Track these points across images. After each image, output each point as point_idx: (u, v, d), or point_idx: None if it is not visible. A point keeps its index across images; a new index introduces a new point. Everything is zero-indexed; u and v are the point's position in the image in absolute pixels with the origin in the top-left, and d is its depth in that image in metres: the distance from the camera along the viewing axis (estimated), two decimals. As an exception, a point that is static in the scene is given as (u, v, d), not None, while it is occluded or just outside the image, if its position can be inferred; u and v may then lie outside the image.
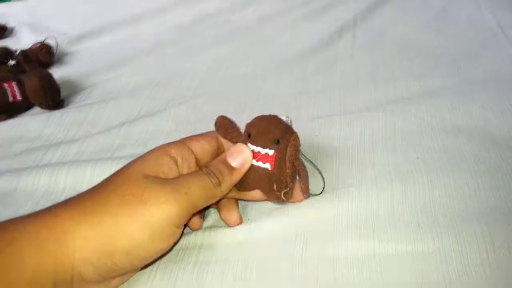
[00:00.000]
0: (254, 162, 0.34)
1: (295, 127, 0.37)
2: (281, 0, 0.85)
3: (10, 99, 0.57)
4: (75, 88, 0.64)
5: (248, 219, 0.37)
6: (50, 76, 0.59)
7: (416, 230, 0.34)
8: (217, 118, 0.36)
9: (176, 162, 0.33)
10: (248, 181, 0.35)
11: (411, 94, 0.52)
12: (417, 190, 0.37)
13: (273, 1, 0.85)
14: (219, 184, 0.32)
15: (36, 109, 0.59)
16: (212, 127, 0.50)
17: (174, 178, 0.31)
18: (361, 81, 0.57)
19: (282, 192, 0.35)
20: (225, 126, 0.36)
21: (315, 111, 0.51)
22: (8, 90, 0.57)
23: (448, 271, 0.31)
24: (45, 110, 0.58)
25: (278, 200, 0.35)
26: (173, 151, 0.33)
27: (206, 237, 0.35)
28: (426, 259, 0.32)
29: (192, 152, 0.34)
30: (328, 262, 0.33)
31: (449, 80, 0.54)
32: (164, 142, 0.48)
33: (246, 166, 0.34)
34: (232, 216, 0.36)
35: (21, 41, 0.81)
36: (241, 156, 0.34)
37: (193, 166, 0.34)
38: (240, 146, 0.34)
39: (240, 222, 0.36)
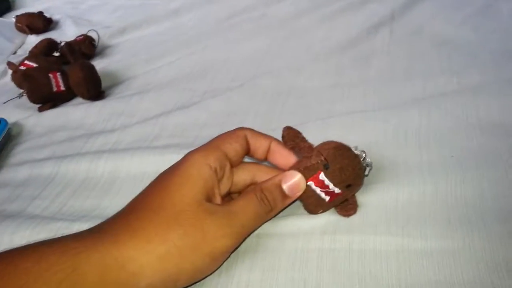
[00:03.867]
0: (317, 190, 0.34)
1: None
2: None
3: (54, 89, 0.59)
4: (115, 80, 0.66)
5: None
6: (92, 68, 0.61)
7: (446, 227, 0.34)
8: (283, 130, 0.36)
9: (216, 171, 0.33)
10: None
11: (447, 91, 0.51)
12: (449, 187, 0.37)
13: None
14: (271, 210, 0.33)
15: (78, 99, 0.62)
16: (245, 120, 0.51)
17: (229, 206, 0.32)
18: (396, 76, 0.56)
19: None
20: (293, 138, 0.36)
21: (349, 106, 0.51)
22: (53, 81, 0.59)
23: (478, 269, 0.31)
24: (86, 101, 0.61)
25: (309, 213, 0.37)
26: (212, 162, 0.33)
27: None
28: (456, 256, 0.32)
29: (227, 156, 0.34)
30: (356, 256, 0.33)
31: (487, 77, 0.52)
32: (199, 134, 0.49)
33: (298, 195, 0.34)
34: None
35: (65, 34, 0.85)
36: (297, 187, 0.34)
37: (227, 171, 0.35)
38: (296, 175, 0.34)
39: None
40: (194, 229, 0.29)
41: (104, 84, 0.63)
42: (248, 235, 0.33)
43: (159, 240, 0.29)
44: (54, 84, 0.59)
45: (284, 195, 0.34)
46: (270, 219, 0.34)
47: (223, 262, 0.33)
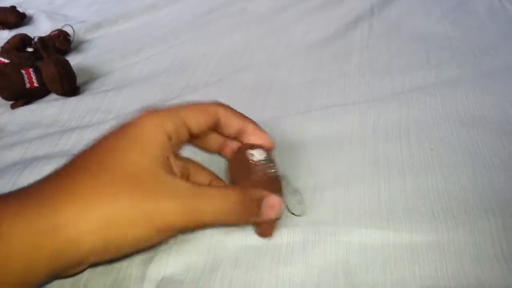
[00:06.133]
0: None
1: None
2: (297, -11, 0.84)
3: (27, 85, 0.58)
4: (91, 76, 0.64)
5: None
6: (66, 63, 0.60)
7: (431, 220, 0.33)
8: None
9: (171, 139, 0.30)
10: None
11: (426, 85, 0.51)
12: (430, 182, 0.37)
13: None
14: (240, 218, 0.31)
15: (53, 96, 0.60)
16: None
17: (195, 187, 0.29)
18: (376, 71, 0.56)
19: None
20: None
21: (329, 100, 0.51)
22: (26, 77, 0.58)
23: (462, 263, 0.31)
24: (61, 97, 0.59)
25: None
26: (168, 128, 0.30)
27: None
28: (441, 250, 0.32)
29: (186, 126, 0.31)
30: (341, 249, 0.32)
31: (465, 71, 0.53)
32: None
33: (267, 217, 0.32)
34: None
35: (39, 29, 0.82)
36: (273, 208, 0.32)
37: (185, 140, 0.32)
38: (279, 200, 0.32)
39: None
40: (146, 197, 0.27)
41: (79, 79, 0.61)
42: (204, 228, 0.32)
43: (104, 206, 0.26)
44: (27, 80, 0.58)
45: (258, 210, 0.31)
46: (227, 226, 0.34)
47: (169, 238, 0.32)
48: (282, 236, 0.34)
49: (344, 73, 0.56)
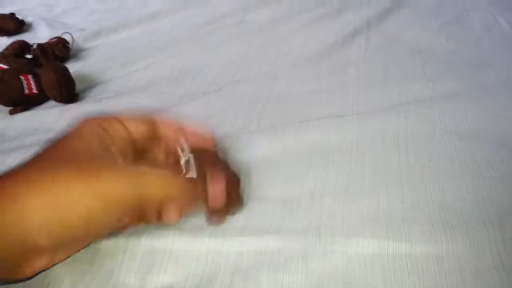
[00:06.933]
0: None
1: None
2: (295, 2, 0.85)
3: (26, 91, 0.58)
4: (89, 83, 0.64)
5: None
6: (65, 70, 0.60)
7: (430, 231, 0.34)
8: None
9: (107, 132, 0.32)
10: None
11: (424, 97, 0.52)
12: (429, 194, 0.37)
13: (287, 3, 0.86)
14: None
15: (51, 103, 0.60)
16: (223, 123, 0.50)
17: (138, 166, 0.31)
18: (374, 83, 0.57)
19: None
20: None
21: (327, 111, 0.51)
22: (24, 83, 0.58)
23: (461, 274, 0.31)
24: (59, 104, 0.59)
25: None
26: (105, 124, 0.33)
27: (217, 232, 0.35)
28: (440, 262, 0.32)
29: (124, 125, 0.34)
30: (341, 258, 0.32)
31: (462, 84, 0.54)
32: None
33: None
34: None
35: (38, 36, 0.83)
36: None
37: (127, 143, 0.34)
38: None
39: None
40: (91, 173, 0.28)
41: (78, 87, 0.61)
42: (151, 205, 0.32)
43: (51, 182, 0.27)
44: (26, 86, 0.58)
45: (206, 197, 0.33)
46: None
47: (118, 223, 0.32)
48: (282, 243, 0.34)
49: (342, 85, 0.57)
